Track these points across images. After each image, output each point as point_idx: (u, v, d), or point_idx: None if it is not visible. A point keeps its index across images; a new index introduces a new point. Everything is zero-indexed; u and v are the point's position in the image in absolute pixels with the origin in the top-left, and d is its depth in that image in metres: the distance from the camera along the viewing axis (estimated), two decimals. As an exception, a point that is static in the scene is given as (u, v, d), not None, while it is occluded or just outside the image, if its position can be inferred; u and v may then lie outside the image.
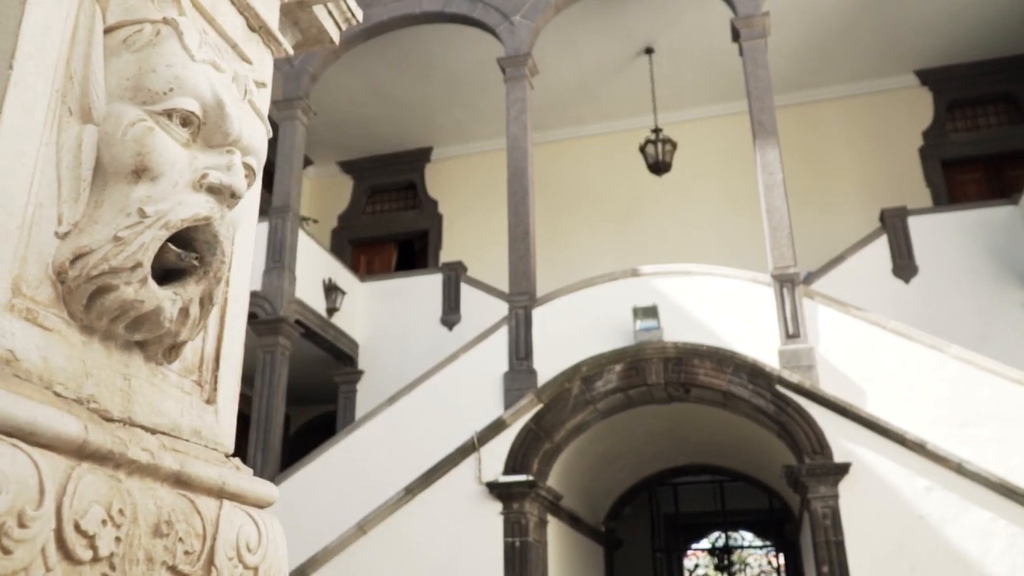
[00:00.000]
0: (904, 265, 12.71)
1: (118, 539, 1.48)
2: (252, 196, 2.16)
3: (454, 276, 14.52)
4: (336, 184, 18.39)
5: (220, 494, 1.78)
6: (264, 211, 13.36)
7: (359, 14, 2.61)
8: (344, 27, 2.58)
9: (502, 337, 11.53)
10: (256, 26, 2.22)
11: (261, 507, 1.94)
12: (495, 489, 10.41)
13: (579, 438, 11.20)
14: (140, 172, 1.64)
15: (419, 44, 14.93)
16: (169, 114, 1.70)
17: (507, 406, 10.95)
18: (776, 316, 10.65)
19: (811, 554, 9.97)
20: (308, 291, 13.12)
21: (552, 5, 12.95)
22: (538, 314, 11.53)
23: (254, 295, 12.41)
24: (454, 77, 15.76)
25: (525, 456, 10.56)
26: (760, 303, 10.81)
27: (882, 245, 12.88)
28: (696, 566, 21.49)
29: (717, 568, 21.11)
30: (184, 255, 1.70)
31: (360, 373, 14.37)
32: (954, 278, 12.52)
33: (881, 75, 15.71)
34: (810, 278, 12.69)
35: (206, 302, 1.78)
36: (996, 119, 15.38)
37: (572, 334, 11.21)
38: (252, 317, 12.35)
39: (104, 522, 1.46)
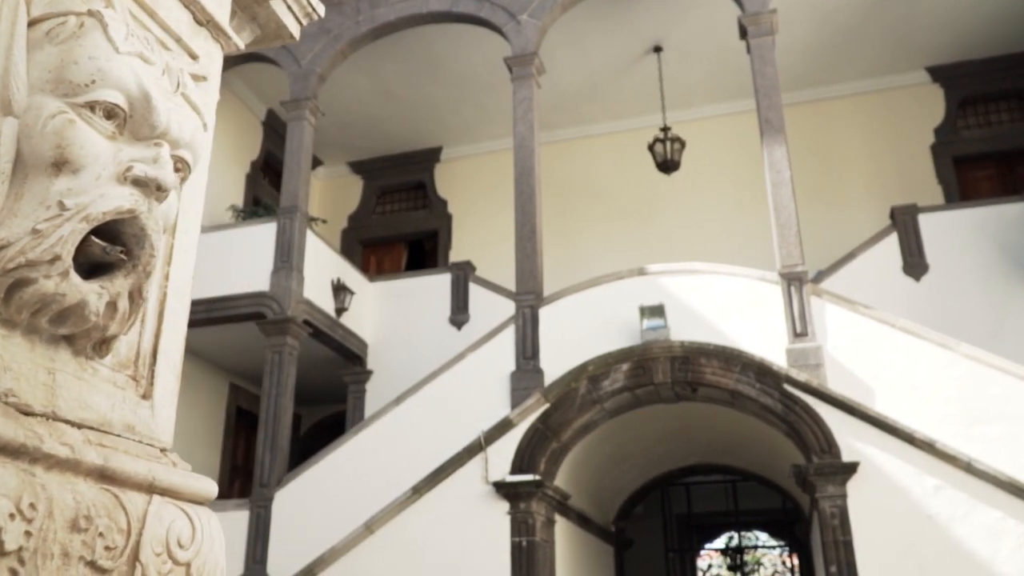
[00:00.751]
0: (914, 263, 12.63)
1: (28, 533, 1.47)
2: (194, 191, 2.14)
3: (463, 276, 14.52)
4: (346, 184, 18.42)
5: (150, 489, 1.76)
6: (272, 211, 13.43)
7: (320, 9, 2.60)
8: (305, 22, 2.56)
9: (509, 336, 11.52)
10: (203, 20, 2.21)
11: (199, 503, 1.93)
12: (502, 489, 10.39)
13: (587, 438, 11.17)
14: (60, 164, 1.63)
15: (427, 44, 14.93)
16: (92, 106, 1.68)
17: (514, 405, 10.94)
18: (784, 314, 10.59)
19: (821, 554, 9.92)
20: (316, 291, 13.13)
21: (559, 4, 12.92)
22: (545, 313, 11.50)
23: (261, 295, 12.45)
24: (462, 77, 15.76)
25: (532, 456, 10.54)
26: (768, 302, 10.76)
27: (892, 243, 12.81)
28: (709, 566, 21.44)
29: (730, 568, 21.06)
30: (110, 248, 1.69)
31: (369, 373, 14.39)
32: (965, 276, 12.44)
33: (892, 72, 15.62)
34: (820, 276, 12.63)
35: (136, 296, 1.76)
36: (1008, 115, 15.28)
37: (579, 333, 11.19)
38: (260, 317, 12.40)
39: (12, 516, 1.44)
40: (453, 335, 14.02)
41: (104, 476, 1.66)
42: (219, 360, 14.41)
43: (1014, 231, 12.37)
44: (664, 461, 14.12)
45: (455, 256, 16.66)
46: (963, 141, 15.23)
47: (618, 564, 14.66)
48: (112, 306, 1.72)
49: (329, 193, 18.46)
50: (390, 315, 14.67)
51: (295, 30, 2.54)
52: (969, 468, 9.05)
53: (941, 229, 12.71)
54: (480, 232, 16.75)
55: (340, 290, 13.57)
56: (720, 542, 21.83)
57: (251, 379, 14.77)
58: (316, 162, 18.01)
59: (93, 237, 1.67)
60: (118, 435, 1.79)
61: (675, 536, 19.10)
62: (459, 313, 14.32)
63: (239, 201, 15.64)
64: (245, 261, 12.78)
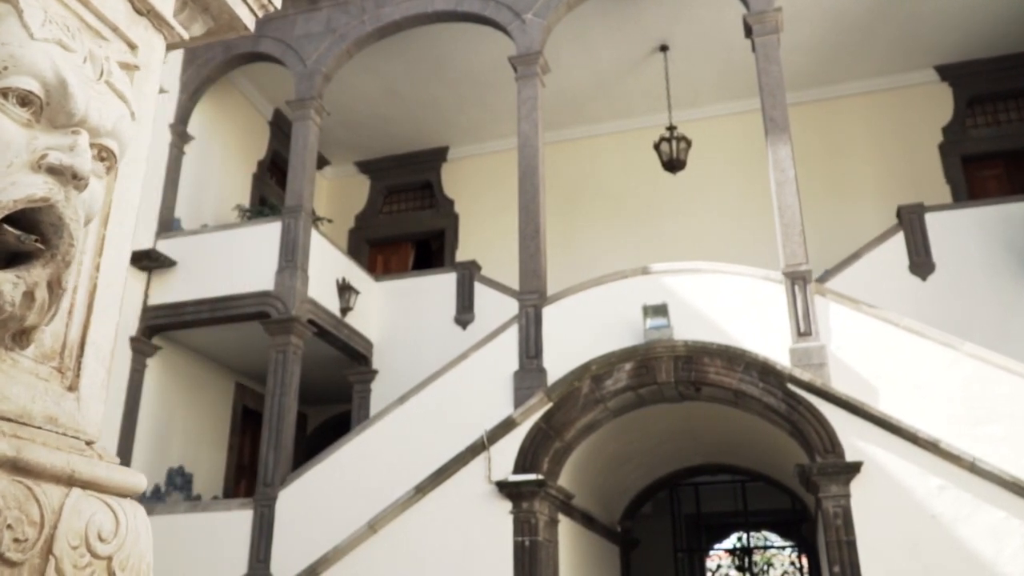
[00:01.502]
0: (921, 262, 12.57)
1: (-72, 524, 1.46)
2: (127, 182, 2.12)
3: (468, 275, 14.51)
4: (354, 184, 18.43)
5: (70, 481, 1.74)
6: (278, 211, 13.44)
7: (277, 0, 2.58)
8: (260, 13, 2.54)
9: (512, 336, 11.49)
10: (143, 10, 2.18)
11: (124, 496, 1.91)
12: (504, 488, 10.37)
13: (590, 437, 11.14)
14: (-29, 152, 1.61)
15: (433, 43, 14.92)
16: (4, 93, 1.66)
17: (517, 405, 10.91)
18: (787, 314, 10.54)
19: (825, 554, 9.86)
20: (321, 291, 13.13)
21: (564, 2, 12.88)
22: (548, 313, 11.47)
23: (265, 295, 12.45)
24: (469, 76, 15.74)
25: (535, 455, 10.52)
26: (771, 301, 10.70)
27: (899, 242, 12.76)
28: (718, 567, 21.38)
29: (738, 568, 20.99)
30: (24, 237, 1.67)
31: (374, 372, 14.39)
32: (972, 275, 12.36)
33: (901, 71, 15.56)
34: (826, 275, 12.58)
35: (55, 286, 1.74)
36: (1017, 114, 15.18)
37: (582, 333, 11.15)
38: (264, 316, 12.41)
39: (-89, 507, 1.43)
40: (458, 334, 14.00)
41: (17, 468, 1.63)
42: (225, 359, 14.43)
43: (1021, 230, 12.28)
44: (670, 461, 14.07)
45: (462, 256, 16.64)
46: (971, 140, 15.14)
47: (624, 564, 14.62)
48: (29, 296, 1.70)
49: (336, 193, 18.47)
50: (395, 315, 14.67)
51: (250, 22, 2.51)
52: (973, 468, 8.99)
53: (948, 228, 12.64)
54: (487, 231, 16.73)
55: (345, 289, 13.56)
56: (730, 542, 21.77)
57: (257, 378, 14.79)
58: (323, 162, 18.04)
59: (7, 226, 1.65)
60: (38, 427, 1.77)
61: (684, 536, 19.05)
62: (464, 313, 14.31)
63: (246, 201, 15.65)
64: (250, 261, 12.79)
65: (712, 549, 21.67)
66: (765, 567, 22.35)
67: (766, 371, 10.09)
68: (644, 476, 14.26)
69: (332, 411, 16.44)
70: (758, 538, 21.94)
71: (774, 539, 21.67)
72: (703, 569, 20.62)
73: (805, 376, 9.89)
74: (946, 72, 15.39)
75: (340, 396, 15.28)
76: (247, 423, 15.00)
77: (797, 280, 10.62)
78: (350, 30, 13.78)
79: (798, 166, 14.56)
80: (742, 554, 21.01)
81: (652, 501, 18.33)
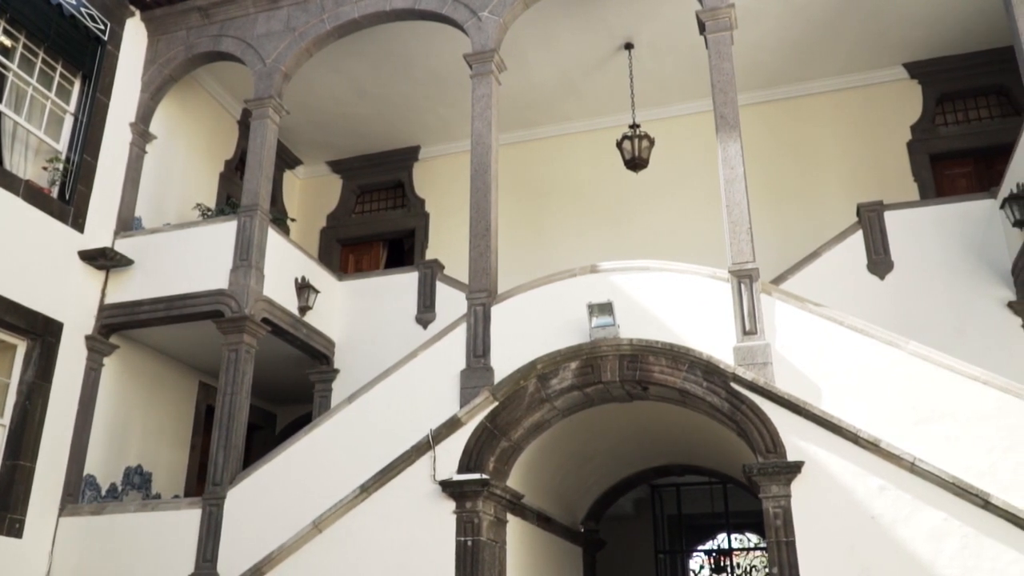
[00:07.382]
0: (879, 261, 12.46)
1: None
2: None
3: (430, 274, 14.48)
4: (326, 184, 18.44)
5: None
6: (235, 208, 13.43)
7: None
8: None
9: (461, 334, 11.40)
10: None
11: None
12: (448, 488, 10.32)
13: (541, 436, 11.09)
14: None
15: (400, 42, 14.90)
16: None
17: (463, 404, 10.83)
18: (733, 312, 10.42)
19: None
20: (279, 290, 13.07)
21: (521, 0, 12.81)
22: (497, 311, 11.37)
23: (219, 293, 12.41)
24: (437, 75, 15.72)
25: (480, 454, 10.47)
26: (718, 299, 10.58)
27: (858, 241, 12.66)
28: (701, 567, 21.27)
29: (714, 570, 20.85)
30: None
31: (335, 372, 14.35)
32: (930, 274, 12.25)
33: (868, 68, 15.43)
34: (785, 275, 12.50)
35: None
36: (987, 112, 15.03)
37: (531, 331, 11.05)
38: (217, 315, 12.37)
39: None
40: (419, 333, 13.93)
41: None
42: (187, 359, 14.41)
43: (981, 228, 12.16)
44: (632, 461, 14.00)
45: (432, 255, 16.60)
46: (941, 138, 14.98)
47: (588, 565, 14.53)
48: None
49: (309, 192, 18.47)
50: (358, 314, 14.63)
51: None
52: (913, 468, 8.88)
53: (908, 227, 12.53)
54: (456, 230, 16.60)
55: (304, 288, 13.51)
56: (713, 543, 21.66)
57: (209, 375, 14.80)
58: (296, 161, 18.08)
59: None
60: None
61: (665, 537, 18.96)
62: (425, 312, 14.27)
63: (212, 200, 15.63)
64: (206, 259, 12.73)
65: (695, 551, 21.56)
66: (749, 568, 22.22)
67: (710, 370, 10.00)
68: (606, 476, 14.17)
69: (301, 411, 16.40)
70: (741, 540, 21.83)
71: (757, 541, 21.55)
72: (685, 570, 20.52)
73: (748, 375, 9.79)
74: (915, 69, 15.25)
75: (309, 396, 15.24)
76: (211, 422, 14.96)
77: (743, 278, 10.50)
78: (310, 28, 13.73)
79: (764, 166, 14.61)
80: (718, 555, 20.89)
81: (635, 503, 18.32)
